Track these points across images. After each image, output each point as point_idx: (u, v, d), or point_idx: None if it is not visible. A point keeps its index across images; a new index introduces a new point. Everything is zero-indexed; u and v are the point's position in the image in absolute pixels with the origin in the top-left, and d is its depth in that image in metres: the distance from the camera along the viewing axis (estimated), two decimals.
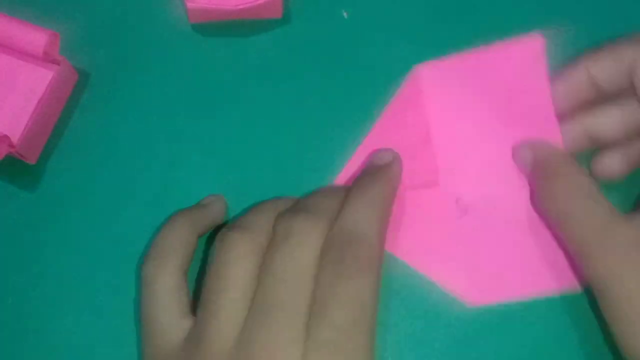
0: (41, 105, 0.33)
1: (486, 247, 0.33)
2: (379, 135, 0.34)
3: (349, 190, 0.30)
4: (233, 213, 0.33)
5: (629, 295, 0.28)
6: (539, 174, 0.32)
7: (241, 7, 0.35)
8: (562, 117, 0.33)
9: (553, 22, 0.35)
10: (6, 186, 0.34)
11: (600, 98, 0.32)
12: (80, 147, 0.35)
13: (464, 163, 0.34)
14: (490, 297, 0.32)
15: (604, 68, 0.31)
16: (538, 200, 0.32)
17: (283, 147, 0.34)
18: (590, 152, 0.33)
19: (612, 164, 0.33)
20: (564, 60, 0.33)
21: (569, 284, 0.32)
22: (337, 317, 0.26)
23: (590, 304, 0.32)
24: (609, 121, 0.32)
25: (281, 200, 0.31)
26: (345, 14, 0.36)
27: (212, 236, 0.32)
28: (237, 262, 0.28)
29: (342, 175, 0.34)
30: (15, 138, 0.32)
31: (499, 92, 0.34)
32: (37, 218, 0.33)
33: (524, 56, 0.34)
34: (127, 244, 0.33)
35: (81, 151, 0.35)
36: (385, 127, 0.34)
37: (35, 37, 0.33)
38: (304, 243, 0.28)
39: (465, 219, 0.33)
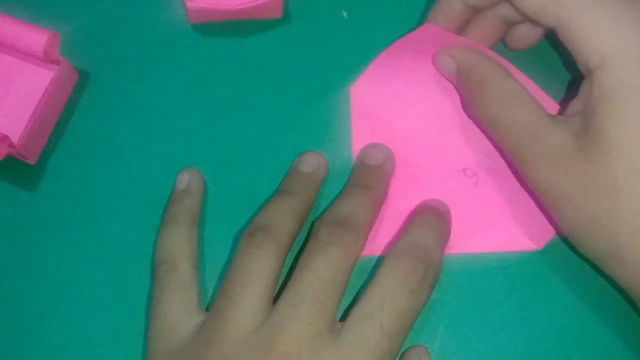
0: (41, 105, 0.33)
1: (507, 201, 0.33)
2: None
3: (414, 215, 0.32)
4: (234, 214, 0.33)
5: (563, 195, 0.28)
6: (466, 82, 0.32)
7: (241, 7, 0.35)
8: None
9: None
10: (6, 186, 0.34)
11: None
12: (80, 147, 0.35)
13: (439, 140, 0.34)
14: (548, 234, 0.32)
15: None
16: (469, 108, 0.32)
17: (283, 147, 0.34)
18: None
19: (524, 33, 0.33)
20: None
21: None
22: (387, 321, 0.27)
23: None
24: None
25: (293, 189, 0.32)
26: (345, 14, 0.36)
27: None
28: (263, 261, 0.29)
29: None
30: (15, 138, 0.32)
31: (428, 71, 0.34)
32: (37, 218, 0.33)
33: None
34: (127, 244, 0.33)
35: (81, 151, 0.35)
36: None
37: (36, 37, 0.32)
38: (348, 252, 0.29)
39: (477, 186, 0.33)
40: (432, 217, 0.31)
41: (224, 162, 0.34)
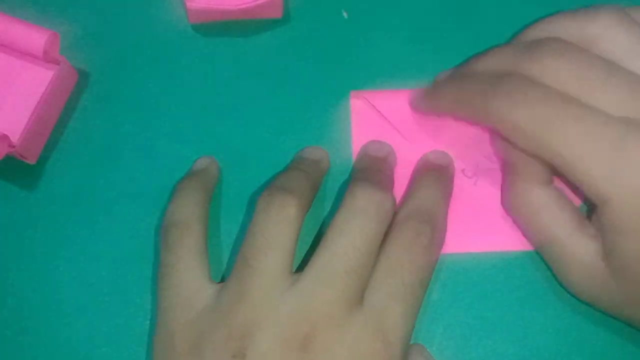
0: (41, 105, 0.33)
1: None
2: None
3: (416, 177, 0.33)
4: (233, 215, 0.33)
5: (598, 301, 0.30)
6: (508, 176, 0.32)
7: (241, 7, 0.35)
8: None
9: None
10: (6, 186, 0.34)
11: None
12: (80, 147, 0.35)
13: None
14: None
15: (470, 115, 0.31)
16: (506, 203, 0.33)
17: (283, 147, 0.34)
18: None
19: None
20: None
21: None
22: (407, 276, 0.28)
23: None
24: None
25: (303, 167, 0.32)
26: (345, 14, 0.36)
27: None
28: (285, 225, 0.29)
29: None
30: (15, 138, 0.32)
31: None
32: (37, 218, 0.33)
33: None
34: (127, 244, 0.33)
35: (81, 151, 0.35)
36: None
37: (35, 37, 0.32)
38: (383, 219, 0.29)
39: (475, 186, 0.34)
40: (433, 177, 0.32)
41: (224, 161, 0.34)
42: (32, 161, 0.34)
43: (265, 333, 0.27)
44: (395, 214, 0.31)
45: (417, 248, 0.29)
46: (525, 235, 0.32)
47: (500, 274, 0.33)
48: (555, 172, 0.30)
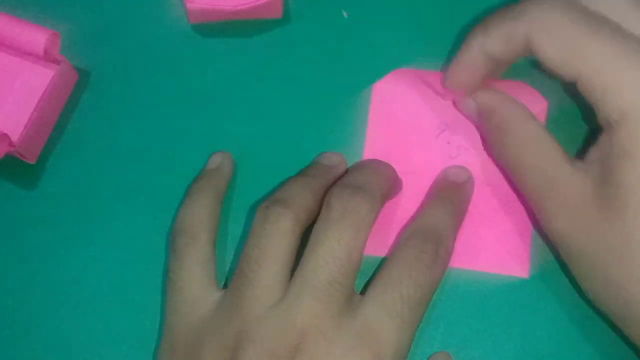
0: (41, 105, 0.33)
1: (502, 223, 0.33)
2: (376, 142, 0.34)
3: (430, 194, 0.32)
4: (234, 215, 0.33)
5: (581, 251, 0.28)
6: (486, 124, 0.32)
7: (241, 7, 0.35)
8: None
9: None
10: (6, 186, 0.34)
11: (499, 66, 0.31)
12: (80, 147, 0.35)
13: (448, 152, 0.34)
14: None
15: (498, 43, 0.29)
16: (490, 150, 0.32)
17: (283, 147, 0.34)
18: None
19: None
20: None
21: None
22: (406, 292, 0.28)
23: None
24: None
25: (313, 174, 0.32)
26: (345, 14, 0.36)
27: None
28: (280, 237, 0.29)
29: None
30: (15, 137, 0.32)
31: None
32: (37, 217, 0.33)
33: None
34: (127, 244, 0.33)
35: (81, 151, 0.35)
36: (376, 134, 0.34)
37: (36, 37, 0.33)
38: (362, 224, 0.29)
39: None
40: (447, 197, 0.32)
41: None
42: (32, 161, 0.34)
43: (255, 345, 0.27)
44: (403, 230, 0.31)
45: (419, 265, 0.28)
46: (512, 176, 0.31)
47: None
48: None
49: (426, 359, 0.31)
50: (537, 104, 0.33)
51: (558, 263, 0.32)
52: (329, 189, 0.30)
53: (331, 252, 0.28)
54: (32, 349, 0.32)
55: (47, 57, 0.33)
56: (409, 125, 0.34)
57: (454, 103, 0.34)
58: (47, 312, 0.32)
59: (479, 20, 0.35)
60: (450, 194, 0.32)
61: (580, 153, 0.31)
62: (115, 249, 0.33)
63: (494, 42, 0.29)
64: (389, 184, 0.32)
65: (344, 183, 0.30)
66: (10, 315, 0.32)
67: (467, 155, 0.34)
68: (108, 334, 0.32)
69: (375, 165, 0.32)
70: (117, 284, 0.33)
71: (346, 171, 0.33)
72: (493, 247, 0.33)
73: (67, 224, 0.33)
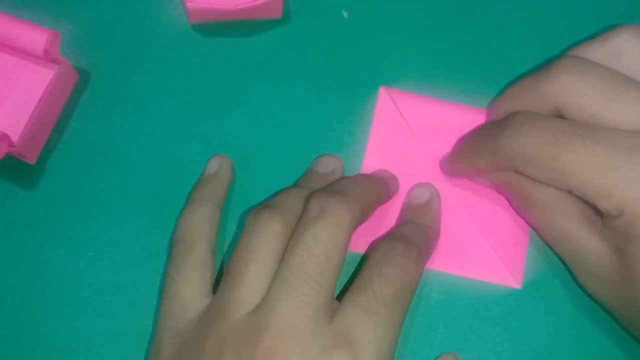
0: (41, 105, 0.33)
1: (496, 231, 0.33)
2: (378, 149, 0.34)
3: (398, 220, 0.33)
4: (233, 216, 0.33)
5: (611, 306, 0.30)
6: (505, 194, 0.33)
7: (241, 7, 0.35)
8: None
9: (551, 27, 0.35)
10: (6, 186, 0.34)
11: None
12: (80, 147, 0.35)
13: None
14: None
15: (530, 106, 0.30)
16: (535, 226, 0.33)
17: (283, 148, 0.34)
18: None
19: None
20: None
21: None
22: (378, 288, 0.28)
23: None
24: None
25: (307, 185, 0.32)
26: (345, 14, 0.36)
27: None
28: (268, 238, 0.29)
29: None
30: (15, 137, 0.32)
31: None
32: (37, 218, 0.33)
33: None
34: (127, 244, 0.33)
35: (81, 151, 0.34)
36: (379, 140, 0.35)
37: (36, 37, 0.32)
38: (339, 224, 0.28)
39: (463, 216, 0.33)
40: (415, 219, 0.32)
41: None
42: (32, 161, 0.34)
43: (232, 351, 0.27)
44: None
45: (389, 260, 0.28)
46: (537, 230, 0.32)
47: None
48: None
49: None
50: None
51: (551, 274, 0.33)
52: None
53: (308, 250, 0.28)
54: (32, 349, 0.32)
55: (47, 57, 0.33)
56: (414, 128, 0.34)
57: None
58: (47, 312, 0.32)
59: (479, 20, 0.36)
60: (417, 215, 0.32)
61: None
62: (115, 249, 0.33)
63: (526, 104, 0.30)
64: (373, 196, 0.31)
65: (324, 188, 0.30)
66: (10, 315, 0.32)
67: None
68: (108, 334, 0.32)
69: (362, 178, 0.32)
70: (117, 284, 0.33)
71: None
72: (489, 257, 0.33)
73: (67, 224, 0.33)
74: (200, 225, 0.31)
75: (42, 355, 0.32)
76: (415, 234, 0.30)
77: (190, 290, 0.30)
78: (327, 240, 0.28)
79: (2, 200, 0.34)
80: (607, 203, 0.27)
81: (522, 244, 0.33)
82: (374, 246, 0.30)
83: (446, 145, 0.34)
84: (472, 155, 0.32)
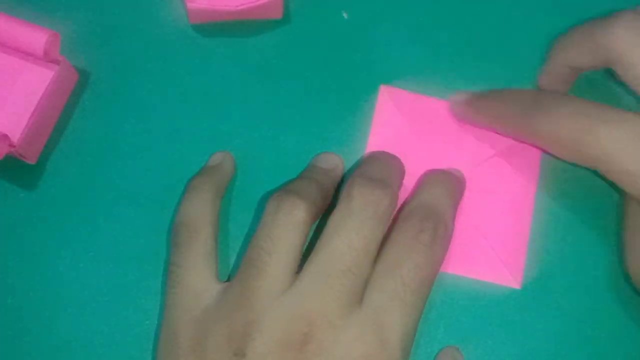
0: (41, 105, 0.33)
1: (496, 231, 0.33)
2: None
3: (425, 176, 0.33)
4: (233, 216, 0.33)
5: None
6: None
7: (241, 7, 0.35)
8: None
9: (551, 27, 0.35)
10: (6, 186, 0.34)
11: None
12: (80, 147, 0.35)
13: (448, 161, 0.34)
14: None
15: (581, 57, 0.31)
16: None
17: (283, 147, 0.34)
18: None
19: None
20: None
21: None
22: (406, 275, 0.28)
23: None
24: None
25: (313, 177, 0.32)
26: (345, 14, 0.36)
27: None
28: (294, 228, 0.29)
29: None
30: (15, 137, 0.32)
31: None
32: (37, 218, 0.33)
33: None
34: (127, 244, 0.33)
35: (81, 151, 0.34)
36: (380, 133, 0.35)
37: (36, 37, 0.32)
38: (382, 218, 0.29)
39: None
40: (442, 177, 0.32)
41: None
42: (32, 161, 0.34)
43: (264, 334, 0.27)
44: (399, 210, 0.31)
45: (418, 246, 0.29)
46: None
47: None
48: None
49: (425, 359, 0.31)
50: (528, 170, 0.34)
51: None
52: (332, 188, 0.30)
53: (349, 242, 0.28)
54: (32, 349, 0.32)
55: (47, 57, 0.33)
56: (413, 128, 0.34)
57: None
58: (47, 312, 0.32)
59: (479, 20, 0.36)
60: (446, 177, 0.32)
61: None
62: (115, 249, 0.33)
63: (576, 57, 0.31)
64: (402, 179, 0.32)
65: (365, 175, 0.30)
66: (10, 315, 0.32)
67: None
68: (108, 334, 0.32)
69: (391, 159, 0.33)
70: (117, 284, 0.33)
71: (358, 163, 0.33)
72: (489, 257, 0.33)
73: (67, 224, 0.33)
74: (204, 210, 0.31)
75: (43, 355, 0.32)
76: (444, 200, 0.31)
77: (200, 277, 0.30)
78: (368, 234, 0.28)
79: (2, 200, 0.34)
80: (635, 188, 0.28)
81: (522, 244, 0.33)
82: (401, 215, 0.30)
83: (446, 144, 0.34)
84: (497, 118, 0.32)
